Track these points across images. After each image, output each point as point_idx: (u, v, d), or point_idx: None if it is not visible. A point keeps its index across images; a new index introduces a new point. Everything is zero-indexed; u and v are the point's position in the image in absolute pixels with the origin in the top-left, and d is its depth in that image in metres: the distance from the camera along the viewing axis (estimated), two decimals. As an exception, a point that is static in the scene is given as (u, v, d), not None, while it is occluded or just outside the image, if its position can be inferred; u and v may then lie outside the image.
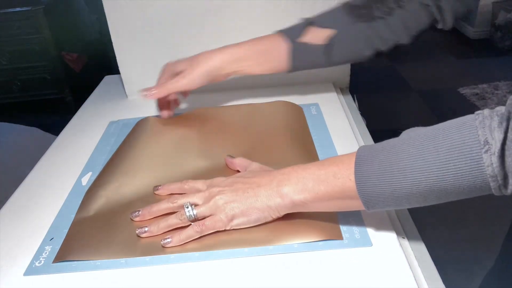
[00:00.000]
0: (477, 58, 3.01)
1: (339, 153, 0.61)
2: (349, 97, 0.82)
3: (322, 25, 0.62)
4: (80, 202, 0.55)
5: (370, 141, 0.67)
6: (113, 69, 0.91)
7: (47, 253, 0.48)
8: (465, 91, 2.57)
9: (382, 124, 2.33)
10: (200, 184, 0.52)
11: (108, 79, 0.98)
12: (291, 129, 0.68)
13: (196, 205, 0.48)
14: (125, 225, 0.51)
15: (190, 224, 0.47)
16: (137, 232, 0.48)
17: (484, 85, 2.59)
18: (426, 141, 0.38)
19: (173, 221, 0.48)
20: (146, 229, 0.48)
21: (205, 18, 0.80)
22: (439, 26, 0.61)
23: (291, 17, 0.79)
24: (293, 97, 0.79)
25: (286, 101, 0.75)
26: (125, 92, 0.87)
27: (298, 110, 0.73)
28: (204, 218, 0.47)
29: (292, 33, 0.63)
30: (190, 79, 0.65)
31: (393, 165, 0.39)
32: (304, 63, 0.65)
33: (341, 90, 0.84)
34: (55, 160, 0.67)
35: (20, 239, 0.51)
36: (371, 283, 0.41)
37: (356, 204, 0.43)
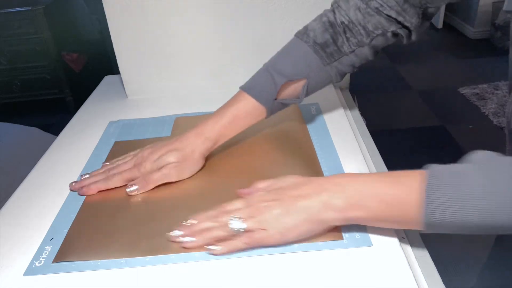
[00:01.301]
0: (477, 58, 3.01)
1: (339, 153, 0.61)
2: (349, 97, 0.82)
3: (296, 78, 0.59)
4: (79, 202, 0.55)
5: (370, 141, 0.67)
6: (113, 69, 0.91)
7: (47, 253, 0.47)
8: (465, 91, 2.57)
9: (382, 124, 2.33)
10: (238, 203, 0.49)
11: (108, 79, 0.98)
12: (289, 131, 0.68)
13: (242, 218, 0.46)
14: (125, 225, 0.51)
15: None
16: (182, 240, 0.47)
17: (484, 85, 2.59)
18: (502, 177, 0.37)
19: (219, 233, 0.46)
20: (191, 239, 0.46)
21: (205, 18, 0.80)
22: (404, 42, 0.60)
23: (290, 17, 0.80)
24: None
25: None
26: (125, 92, 0.87)
27: (296, 111, 0.73)
28: (251, 230, 0.45)
29: (267, 97, 0.59)
30: (181, 174, 0.58)
31: (466, 201, 0.37)
32: (280, 110, 0.63)
33: (341, 90, 0.84)
34: (55, 160, 0.67)
35: (20, 239, 0.51)
36: (371, 283, 0.41)
37: (413, 226, 0.41)
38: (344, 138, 0.65)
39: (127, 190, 0.55)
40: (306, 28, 0.61)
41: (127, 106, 0.83)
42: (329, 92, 0.81)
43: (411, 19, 0.56)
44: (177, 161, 0.56)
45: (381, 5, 0.56)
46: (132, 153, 0.61)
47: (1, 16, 2.36)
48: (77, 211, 0.54)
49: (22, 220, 0.54)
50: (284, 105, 0.61)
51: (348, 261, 0.43)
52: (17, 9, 2.37)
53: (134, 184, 0.55)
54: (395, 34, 0.59)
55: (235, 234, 0.45)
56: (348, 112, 0.75)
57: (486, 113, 2.33)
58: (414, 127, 2.29)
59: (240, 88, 0.61)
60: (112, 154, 0.66)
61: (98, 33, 2.77)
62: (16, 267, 0.46)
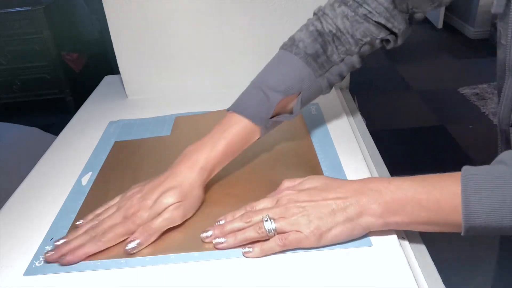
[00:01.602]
0: (477, 58, 3.01)
1: (339, 153, 0.61)
2: (349, 97, 0.82)
3: (291, 93, 0.56)
4: (79, 202, 0.55)
5: (370, 141, 0.67)
6: (113, 69, 0.91)
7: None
8: (465, 91, 2.57)
9: (382, 124, 2.33)
10: (267, 202, 0.48)
11: (108, 79, 0.98)
12: (289, 130, 0.68)
13: (274, 219, 0.45)
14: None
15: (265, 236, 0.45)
16: (214, 242, 0.46)
17: (484, 85, 2.60)
18: None
19: (251, 234, 0.45)
20: (223, 240, 0.46)
21: (205, 18, 0.80)
22: (389, 47, 0.59)
23: (290, 17, 0.80)
24: (293, 97, 0.79)
25: None
26: (125, 92, 0.87)
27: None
28: (283, 231, 0.44)
29: (261, 116, 0.55)
30: (185, 215, 0.50)
31: (504, 205, 0.38)
32: (273, 129, 0.59)
33: (341, 90, 0.84)
34: (55, 160, 0.67)
35: (20, 239, 0.51)
36: (371, 283, 0.41)
37: (454, 230, 0.41)
38: (344, 138, 0.65)
39: (127, 248, 0.46)
40: (293, 39, 0.59)
41: (127, 106, 0.83)
42: (329, 92, 0.80)
43: (399, 25, 0.56)
44: (178, 200, 0.48)
45: (370, 12, 0.55)
46: (112, 202, 0.52)
47: (1, 16, 2.36)
48: (77, 211, 0.54)
49: (22, 220, 0.54)
50: (277, 123, 0.58)
51: (348, 261, 0.43)
52: (17, 9, 2.38)
53: (135, 239, 0.46)
54: (382, 41, 0.58)
55: (268, 234, 0.44)
56: (348, 112, 0.75)
57: (486, 113, 2.33)
58: (414, 127, 2.29)
59: (228, 110, 0.56)
60: (112, 154, 0.66)
61: (98, 33, 2.77)
62: (16, 267, 0.46)
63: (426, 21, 3.80)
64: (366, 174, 0.56)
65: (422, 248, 0.47)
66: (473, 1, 3.27)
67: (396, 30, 0.56)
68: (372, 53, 0.62)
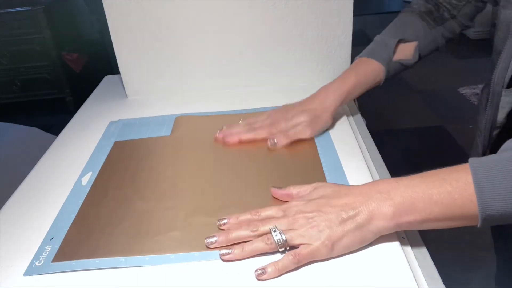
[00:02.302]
0: (477, 58, 3.01)
1: (339, 153, 0.61)
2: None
3: (408, 39, 0.69)
4: (79, 202, 0.55)
5: (370, 141, 0.67)
6: (113, 69, 0.91)
7: (47, 253, 0.47)
8: (465, 91, 2.57)
9: (382, 124, 2.33)
10: (274, 211, 0.47)
11: (108, 79, 0.98)
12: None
13: (282, 230, 0.44)
14: (125, 224, 0.51)
15: (271, 243, 0.44)
16: (220, 253, 0.45)
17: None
18: None
19: (259, 245, 0.44)
20: (230, 251, 0.44)
21: (206, 17, 0.80)
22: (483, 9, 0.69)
23: (290, 17, 0.80)
24: (293, 97, 0.79)
25: None
26: (125, 92, 0.87)
27: None
28: (292, 244, 0.43)
29: (384, 57, 0.68)
30: (313, 132, 0.64)
31: None
32: (396, 74, 0.72)
33: (341, 90, 0.84)
34: (55, 160, 0.67)
35: (20, 239, 0.51)
36: (371, 283, 0.41)
37: (470, 223, 0.40)
38: (344, 138, 0.65)
39: (269, 143, 0.63)
40: (410, 5, 0.72)
41: (127, 106, 0.83)
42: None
43: None
44: (309, 119, 0.63)
45: None
46: (266, 112, 0.68)
47: (1, 16, 2.36)
48: (77, 211, 0.54)
49: (22, 220, 0.54)
50: (400, 66, 0.69)
51: (348, 261, 0.43)
52: (17, 9, 2.38)
53: (274, 138, 0.62)
54: (484, 1, 0.66)
55: (277, 246, 0.43)
56: (348, 112, 0.75)
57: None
58: (414, 127, 2.29)
59: (358, 57, 0.70)
60: (112, 154, 0.66)
61: (98, 33, 2.77)
62: (16, 267, 0.46)
63: (426, 21, 3.80)
64: (366, 174, 0.56)
65: (422, 248, 0.46)
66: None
67: None
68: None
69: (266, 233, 0.44)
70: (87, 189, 0.58)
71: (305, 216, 0.44)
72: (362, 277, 0.42)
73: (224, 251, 0.45)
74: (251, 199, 0.53)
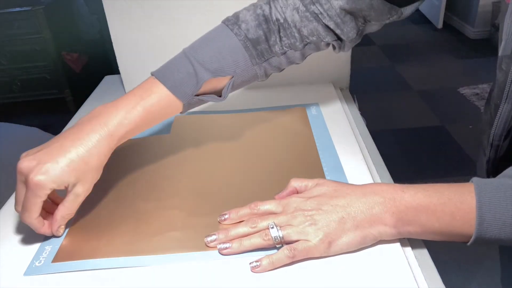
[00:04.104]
0: (477, 58, 3.01)
1: (339, 153, 0.61)
2: (349, 97, 0.82)
3: (222, 75, 0.53)
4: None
5: (370, 141, 0.67)
6: (113, 69, 0.91)
7: (47, 253, 0.47)
8: (465, 91, 2.57)
9: (382, 124, 2.33)
10: (273, 205, 0.47)
11: (108, 79, 0.98)
12: (294, 134, 0.68)
13: (280, 226, 0.44)
14: (125, 224, 0.51)
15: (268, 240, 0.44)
16: (218, 247, 0.45)
17: (484, 85, 2.59)
18: None
19: (256, 240, 0.44)
20: (228, 245, 0.45)
21: (206, 17, 0.80)
22: (336, 52, 0.58)
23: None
24: (293, 97, 0.79)
25: (291, 109, 0.75)
26: (125, 92, 0.87)
27: (301, 114, 0.73)
28: (290, 240, 0.43)
29: (186, 91, 0.52)
30: (83, 196, 0.49)
31: None
32: (196, 106, 0.56)
33: (341, 90, 0.84)
34: (55, 160, 0.67)
35: (20, 239, 0.51)
36: (371, 283, 0.41)
37: (458, 240, 0.42)
38: (344, 138, 0.65)
39: None
40: (237, 17, 0.55)
41: (127, 106, 0.83)
42: (329, 92, 0.81)
43: (349, 33, 0.54)
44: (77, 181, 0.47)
45: (321, 13, 0.53)
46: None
47: (1, 16, 2.36)
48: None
49: (22, 220, 0.54)
50: (202, 102, 0.54)
51: (348, 261, 0.43)
52: (17, 9, 2.38)
53: None
54: (327, 44, 0.56)
55: (274, 242, 0.44)
56: (348, 112, 0.75)
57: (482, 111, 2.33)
58: (414, 127, 2.29)
59: (153, 73, 0.52)
60: (112, 154, 0.66)
61: (98, 33, 2.77)
62: (16, 267, 0.46)
63: (426, 21, 3.80)
64: (366, 174, 0.56)
65: (422, 248, 0.46)
66: (473, 1, 3.27)
67: (344, 37, 0.54)
68: (372, 53, 0.62)
69: (264, 229, 0.45)
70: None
71: (304, 214, 0.44)
72: (362, 277, 0.42)
73: (222, 245, 0.45)
74: (251, 199, 0.53)
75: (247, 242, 0.45)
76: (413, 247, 0.46)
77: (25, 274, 0.45)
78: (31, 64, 2.51)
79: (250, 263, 0.43)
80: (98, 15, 2.70)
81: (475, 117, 2.31)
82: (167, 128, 0.72)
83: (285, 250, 0.43)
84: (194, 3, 0.78)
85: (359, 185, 0.46)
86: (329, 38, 0.55)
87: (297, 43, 0.54)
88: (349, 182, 0.55)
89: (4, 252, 0.49)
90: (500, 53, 0.52)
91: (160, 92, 0.51)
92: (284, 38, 0.54)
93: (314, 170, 0.58)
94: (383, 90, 2.73)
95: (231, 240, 0.45)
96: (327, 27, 0.54)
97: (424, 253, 0.46)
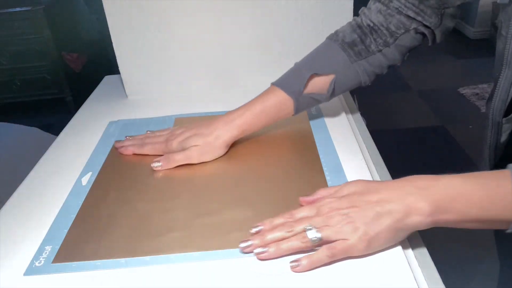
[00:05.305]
0: (477, 58, 3.01)
1: (339, 153, 0.61)
2: (349, 97, 0.82)
3: (323, 72, 0.62)
4: (80, 202, 0.55)
5: (371, 141, 0.67)
6: (113, 69, 0.91)
7: (47, 253, 0.47)
8: (465, 91, 2.57)
9: (382, 124, 2.33)
10: (306, 211, 0.47)
11: (108, 79, 0.98)
12: (295, 134, 0.68)
13: (317, 228, 0.44)
14: (125, 225, 0.51)
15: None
16: (255, 251, 0.44)
17: (484, 85, 2.59)
18: None
19: (294, 244, 0.44)
20: (265, 249, 0.44)
21: (206, 18, 0.80)
22: (429, 43, 0.63)
23: (290, 17, 0.80)
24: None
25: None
26: (125, 92, 0.87)
27: (301, 114, 0.73)
28: (329, 241, 0.43)
29: (294, 89, 0.62)
30: (202, 157, 0.61)
31: None
32: (308, 108, 0.66)
33: (341, 90, 0.84)
34: (55, 160, 0.67)
35: (20, 239, 0.50)
36: (371, 283, 0.41)
37: (497, 227, 0.42)
38: (344, 138, 0.65)
39: (152, 165, 0.60)
40: (336, 31, 0.65)
41: (127, 106, 0.83)
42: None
43: (430, 19, 0.59)
44: (200, 144, 0.60)
45: (400, 6, 0.60)
46: (168, 128, 0.66)
47: (1, 16, 2.36)
48: (77, 212, 0.54)
49: (22, 220, 0.54)
50: (313, 100, 0.63)
51: (348, 261, 0.43)
52: (17, 9, 2.38)
53: (159, 161, 0.60)
54: (419, 33, 0.61)
55: (313, 244, 0.43)
56: (348, 112, 0.75)
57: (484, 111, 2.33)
58: (414, 127, 2.29)
59: (271, 83, 0.63)
60: (112, 154, 0.66)
61: (98, 33, 2.77)
62: (16, 267, 0.46)
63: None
64: (366, 174, 0.56)
65: (422, 248, 0.46)
66: (473, 1, 3.27)
67: (427, 23, 0.60)
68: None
69: (301, 232, 0.44)
70: (87, 189, 0.58)
71: (340, 213, 0.43)
72: (362, 277, 0.42)
73: (259, 249, 0.44)
74: (252, 199, 0.53)
75: (285, 246, 0.44)
76: (413, 247, 0.46)
77: (25, 274, 0.45)
78: (31, 64, 2.51)
79: (290, 262, 0.43)
80: (98, 15, 2.70)
81: (475, 117, 2.31)
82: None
83: (324, 250, 0.42)
84: (194, 3, 0.78)
85: (388, 181, 0.46)
86: (414, 25, 0.60)
87: (388, 39, 0.62)
88: (349, 182, 0.55)
89: (4, 252, 0.49)
90: (498, 0, 0.53)
91: (274, 92, 0.62)
92: (377, 39, 0.62)
93: (314, 170, 0.58)
94: (383, 90, 2.73)
95: (267, 244, 0.45)
96: (408, 17, 0.60)
97: (424, 253, 0.46)
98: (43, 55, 2.48)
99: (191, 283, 0.43)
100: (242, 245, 0.45)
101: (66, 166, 0.65)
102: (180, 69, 0.85)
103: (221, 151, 0.62)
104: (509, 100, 0.53)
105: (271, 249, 0.44)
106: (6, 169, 1.13)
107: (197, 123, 0.63)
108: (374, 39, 0.62)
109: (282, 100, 0.62)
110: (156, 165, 0.60)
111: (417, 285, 0.41)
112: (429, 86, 2.72)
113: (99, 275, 0.44)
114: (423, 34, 0.62)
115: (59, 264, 0.46)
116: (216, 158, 0.62)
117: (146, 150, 0.63)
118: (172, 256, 0.46)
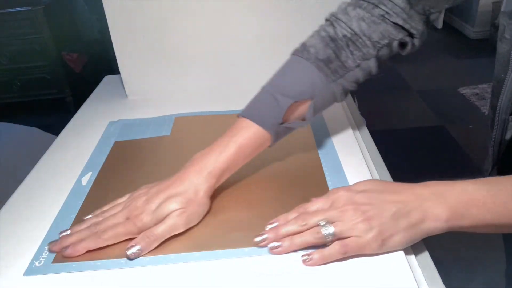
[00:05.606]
0: (477, 58, 3.01)
1: (339, 154, 0.61)
2: (349, 97, 0.82)
3: (302, 98, 0.54)
4: (80, 202, 0.55)
5: (371, 141, 0.67)
6: (113, 69, 0.91)
7: (47, 253, 0.47)
8: (465, 91, 2.57)
9: (382, 124, 2.33)
10: (321, 204, 0.46)
11: (108, 79, 0.98)
12: (294, 133, 0.68)
13: (331, 222, 0.43)
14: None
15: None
16: (269, 246, 0.45)
17: (484, 85, 2.59)
18: None
19: (307, 238, 0.43)
20: (279, 244, 0.44)
21: (206, 17, 0.80)
22: (405, 53, 0.57)
23: (290, 16, 0.80)
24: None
25: None
26: (125, 92, 0.87)
27: None
28: (342, 237, 0.43)
29: (271, 121, 0.53)
30: (189, 222, 0.49)
31: None
32: (283, 136, 0.57)
33: (341, 90, 0.84)
34: (55, 160, 0.67)
35: (20, 239, 0.50)
36: (371, 283, 0.41)
37: None
38: (344, 138, 0.65)
39: (128, 252, 0.45)
40: (304, 45, 0.57)
41: (127, 106, 0.83)
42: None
43: (417, 26, 0.54)
44: (180, 207, 0.47)
45: (387, 12, 0.54)
46: (120, 200, 0.52)
47: (1, 16, 2.36)
48: (77, 211, 0.54)
49: (22, 220, 0.54)
50: (289, 129, 0.56)
51: (348, 261, 0.43)
52: (17, 9, 2.38)
53: (136, 245, 0.46)
54: (400, 44, 0.56)
55: (326, 240, 0.43)
56: (348, 112, 0.75)
57: (487, 113, 2.33)
58: (414, 127, 2.29)
59: (239, 115, 0.54)
60: (112, 154, 0.66)
61: (98, 33, 2.77)
62: (16, 267, 0.46)
63: (426, 21, 3.80)
64: (366, 174, 0.56)
65: (423, 248, 0.46)
66: (473, 1, 3.27)
67: (414, 31, 0.54)
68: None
69: (315, 226, 0.44)
70: (87, 189, 0.58)
71: (355, 208, 0.43)
72: (362, 277, 0.42)
73: (273, 244, 0.44)
74: (252, 199, 0.53)
75: (298, 240, 0.44)
76: (413, 248, 0.46)
77: (25, 274, 0.45)
78: (31, 64, 2.51)
79: (302, 256, 0.43)
80: (98, 15, 2.70)
81: (475, 117, 2.31)
82: (167, 129, 0.73)
83: (336, 246, 0.42)
84: (194, 3, 0.78)
85: (404, 184, 0.45)
86: (401, 35, 0.55)
87: (370, 51, 0.55)
88: (349, 182, 0.55)
89: (4, 252, 0.49)
90: (503, 8, 0.52)
91: (248, 128, 0.53)
92: (355, 52, 0.55)
93: (313, 170, 0.58)
94: (383, 90, 2.73)
95: (281, 238, 0.45)
96: (396, 24, 0.54)
97: (424, 253, 0.46)
98: (43, 55, 2.48)
99: (191, 283, 0.43)
100: (257, 239, 0.45)
101: (66, 166, 0.65)
102: (180, 69, 0.85)
103: (206, 207, 0.50)
104: None
105: (285, 244, 0.44)
106: (6, 169, 1.13)
107: (158, 184, 0.51)
108: (351, 52, 0.54)
109: (258, 135, 0.53)
110: (133, 251, 0.45)
111: (417, 285, 0.41)
112: (429, 86, 2.72)
113: (99, 275, 0.44)
114: (404, 44, 0.56)
115: (59, 264, 0.46)
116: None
117: (107, 240, 0.47)
118: (172, 256, 0.46)
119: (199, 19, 0.80)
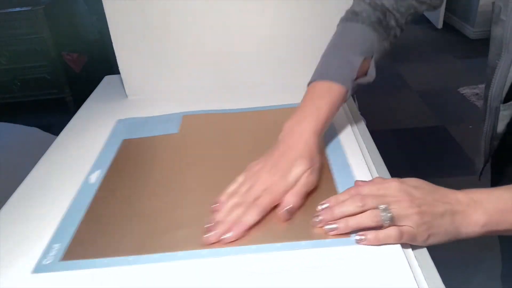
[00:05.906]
0: (477, 58, 3.01)
1: (339, 154, 0.61)
2: (349, 97, 0.82)
3: (368, 55, 0.60)
4: (88, 200, 0.56)
5: (371, 141, 0.67)
6: (113, 69, 0.91)
7: (55, 251, 0.48)
8: (465, 91, 2.57)
9: (382, 124, 2.33)
10: (374, 189, 0.47)
11: (108, 79, 0.98)
12: None
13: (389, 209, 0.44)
14: (133, 223, 0.51)
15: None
16: (326, 228, 0.46)
17: (484, 85, 2.59)
18: None
19: (364, 220, 0.44)
20: (335, 226, 0.45)
21: (206, 17, 0.80)
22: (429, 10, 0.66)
23: (290, 16, 0.80)
24: (293, 97, 0.79)
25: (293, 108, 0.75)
26: (125, 92, 0.87)
27: None
28: (397, 224, 0.44)
29: (348, 78, 0.59)
30: (318, 178, 0.53)
31: None
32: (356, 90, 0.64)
33: (341, 90, 0.84)
34: (55, 160, 0.67)
35: (28, 237, 0.51)
36: (371, 283, 0.41)
37: None
38: (344, 138, 0.65)
39: (282, 211, 0.48)
40: (354, 12, 0.63)
41: (127, 106, 0.83)
42: None
43: (436, 1, 0.64)
44: (308, 167, 0.51)
45: None
46: (241, 179, 0.53)
47: (1, 16, 2.36)
48: (85, 209, 0.54)
49: (22, 220, 0.54)
50: (358, 85, 0.61)
51: (348, 261, 0.43)
52: (17, 9, 2.38)
53: (288, 204, 0.49)
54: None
55: (383, 224, 0.44)
56: (348, 112, 0.75)
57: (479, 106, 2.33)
58: (414, 127, 2.29)
59: (313, 80, 0.59)
60: (121, 152, 0.66)
61: (98, 33, 2.77)
62: (24, 265, 0.46)
63: (426, 21, 3.80)
64: (366, 174, 0.56)
65: (423, 248, 0.46)
66: (473, 1, 3.27)
67: (433, 3, 0.64)
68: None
69: (372, 209, 0.45)
70: (96, 187, 0.58)
71: (411, 200, 0.44)
72: (362, 277, 0.42)
73: (330, 226, 0.46)
74: None
75: (353, 222, 0.45)
76: (413, 247, 0.46)
77: (34, 272, 0.45)
78: (31, 64, 2.51)
79: (356, 235, 0.45)
80: (98, 15, 2.70)
81: (475, 117, 2.31)
82: (175, 126, 0.73)
83: (393, 231, 0.43)
84: (194, 3, 0.78)
85: (447, 189, 0.47)
86: (424, 7, 0.64)
87: (400, 20, 0.64)
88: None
89: (12, 250, 0.49)
90: None
91: (330, 87, 0.58)
92: (396, 14, 0.63)
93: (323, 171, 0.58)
94: (383, 90, 2.73)
95: (337, 220, 0.46)
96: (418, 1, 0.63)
97: (424, 253, 0.46)
98: (43, 55, 2.48)
99: (199, 280, 0.43)
100: (314, 220, 0.47)
101: (66, 166, 0.65)
102: (180, 69, 0.85)
103: (321, 160, 0.55)
104: (508, 85, 0.53)
105: (341, 225, 0.45)
106: (6, 169, 1.13)
107: (267, 156, 0.54)
108: (393, 15, 0.63)
109: (340, 93, 0.58)
110: (287, 208, 0.48)
111: (417, 285, 0.41)
112: (429, 86, 2.71)
113: (107, 272, 0.44)
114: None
115: (67, 261, 0.46)
116: (223, 157, 0.62)
117: (265, 209, 0.49)
118: (180, 253, 0.46)
119: (199, 19, 0.80)
